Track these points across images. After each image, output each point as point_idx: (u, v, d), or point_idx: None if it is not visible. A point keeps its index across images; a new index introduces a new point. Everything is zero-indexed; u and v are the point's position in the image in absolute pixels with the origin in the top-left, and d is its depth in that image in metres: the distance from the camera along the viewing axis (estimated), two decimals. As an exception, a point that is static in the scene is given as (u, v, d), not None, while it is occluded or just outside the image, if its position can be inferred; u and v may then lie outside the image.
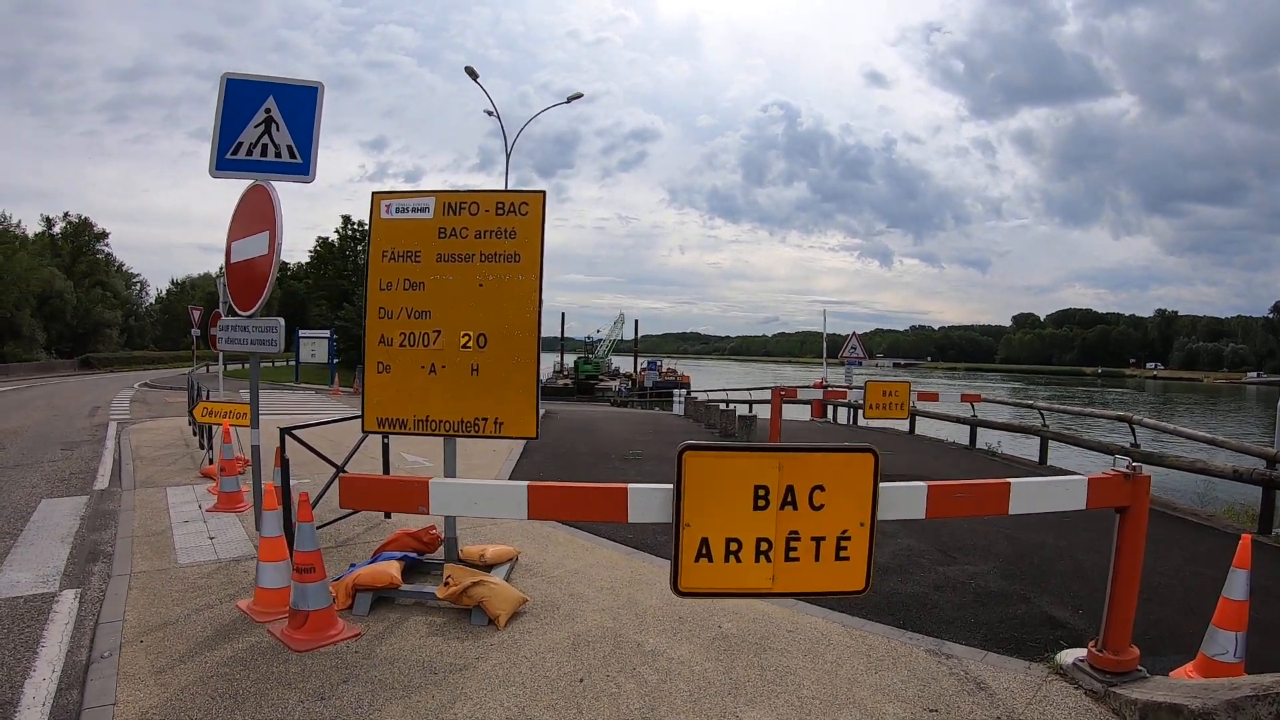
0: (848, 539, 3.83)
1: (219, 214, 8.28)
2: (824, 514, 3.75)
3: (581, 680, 4.66)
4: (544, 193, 6.30)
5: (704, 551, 3.72)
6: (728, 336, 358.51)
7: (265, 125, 6.97)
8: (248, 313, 7.03)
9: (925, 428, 21.19)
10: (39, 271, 57.64)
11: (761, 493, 3.68)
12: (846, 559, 3.83)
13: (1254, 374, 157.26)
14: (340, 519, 8.14)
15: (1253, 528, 9.78)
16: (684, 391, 29.88)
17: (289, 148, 7.00)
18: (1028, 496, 4.30)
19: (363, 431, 6.46)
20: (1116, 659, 4.55)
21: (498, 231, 6.22)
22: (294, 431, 7.09)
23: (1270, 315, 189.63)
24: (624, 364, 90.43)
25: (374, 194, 6.38)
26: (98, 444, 14.83)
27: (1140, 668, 4.58)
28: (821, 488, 3.72)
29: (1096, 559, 7.69)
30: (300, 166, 7.04)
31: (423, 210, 6.36)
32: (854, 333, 26.64)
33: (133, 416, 20.85)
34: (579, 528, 8.33)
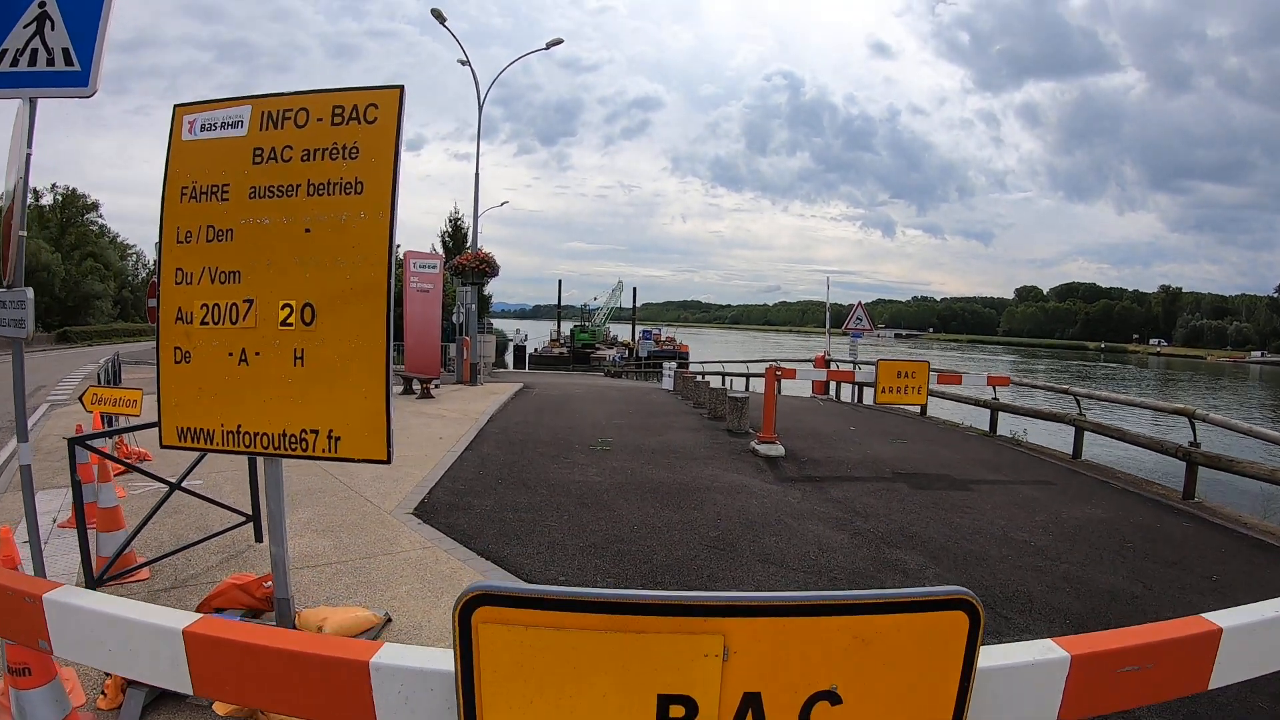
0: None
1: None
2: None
3: None
4: (400, 89, 4.14)
5: None
6: (728, 305, 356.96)
7: (38, 24, 4.61)
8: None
9: (936, 408, 18.92)
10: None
11: (678, 713, 1.43)
12: None
13: (1258, 353, 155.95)
14: (185, 548, 5.99)
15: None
16: (673, 365, 27.70)
17: (65, 51, 4.62)
18: (1248, 653, 2.07)
19: (160, 445, 4.28)
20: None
21: (333, 150, 4.11)
22: (89, 441, 5.00)
23: (1275, 294, 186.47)
24: (623, 332, 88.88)
25: (176, 107, 4.37)
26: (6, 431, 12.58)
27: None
28: (835, 698, 1.47)
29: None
30: (77, 76, 4.64)
31: (235, 125, 4.27)
32: (859, 302, 24.51)
33: (74, 397, 18.54)
34: (499, 563, 6.15)
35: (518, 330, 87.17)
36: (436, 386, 20.75)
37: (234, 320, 4.14)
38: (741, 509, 8.12)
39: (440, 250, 48.67)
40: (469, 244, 28.25)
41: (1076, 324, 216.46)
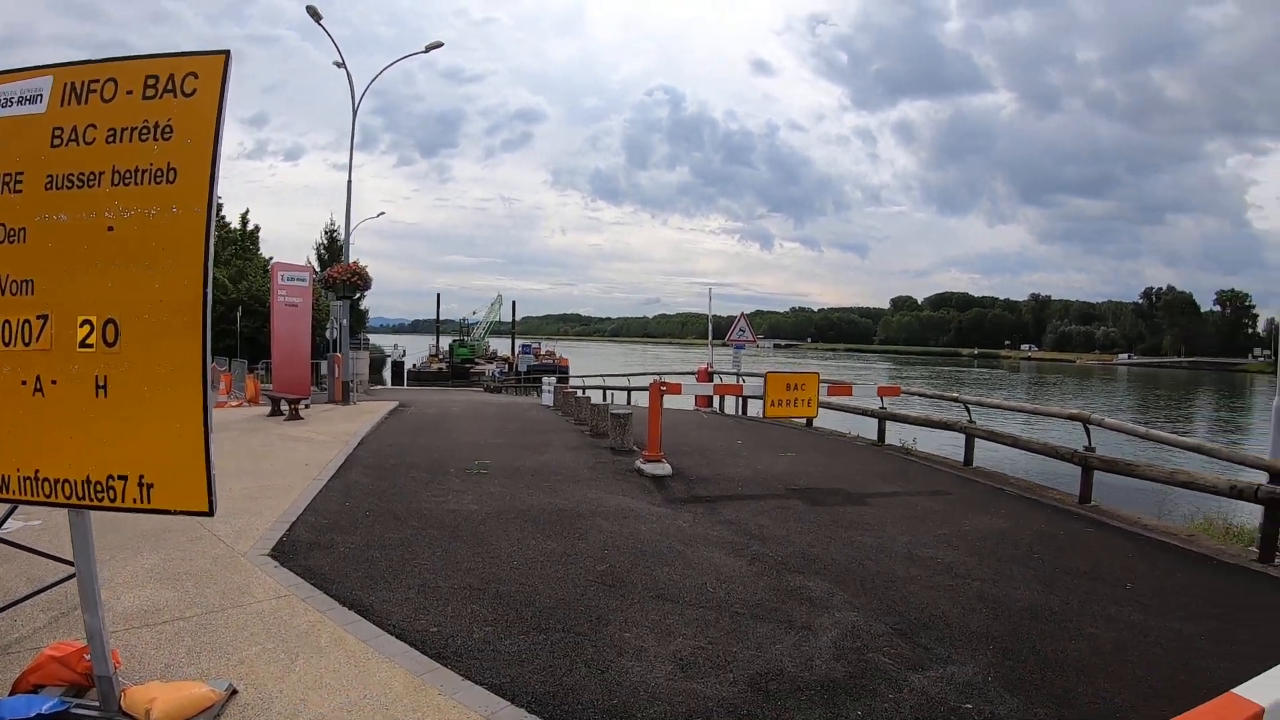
0: None
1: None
2: None
3: None
4: (226, 54, 3.57)
5: None
6: (608, 318, 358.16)
7: None
8: None
9: (821, 418, 18.87)
10: None
11: None
12: None
13: (1124, 355, 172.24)
14: (5, 607, 5.14)
15: (1253, 553, 8.26)
16: (553, 380, 27.26)
17: None
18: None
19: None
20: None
21: (143, 130, 3.55)
22: None
23: (1140, 301, 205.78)
24: (503, 347, 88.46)
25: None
26: None
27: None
28: None
29: (1115, 632, 5.69)
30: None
31: (33, 100, 3.67)
32: (742, 314, 24.55)
33: None
34: (364, 613, 5.51)
35: (395, 345, 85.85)
36: (306, 407, 19.72)
37: (26, 340, 3.51)
38: (630, 536, 7.68)
39: (316, 263, 47.18)
40: (344, 256, 27.25)
41: (950, 332, 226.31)
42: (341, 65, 26.10)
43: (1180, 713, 4.65)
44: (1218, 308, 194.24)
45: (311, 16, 24.63)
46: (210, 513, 3.46)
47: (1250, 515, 9.31)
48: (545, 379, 29.36)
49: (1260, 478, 8.36)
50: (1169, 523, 9.91)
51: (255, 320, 36.39)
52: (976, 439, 13.69)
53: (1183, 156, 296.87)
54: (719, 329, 27.16)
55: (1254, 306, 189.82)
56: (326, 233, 53.11)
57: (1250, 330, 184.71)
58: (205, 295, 3.41)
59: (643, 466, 11.20)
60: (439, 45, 28.09)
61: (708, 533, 7.98)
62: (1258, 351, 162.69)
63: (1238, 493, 8.38)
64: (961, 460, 13.75)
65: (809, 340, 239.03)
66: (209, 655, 4.68)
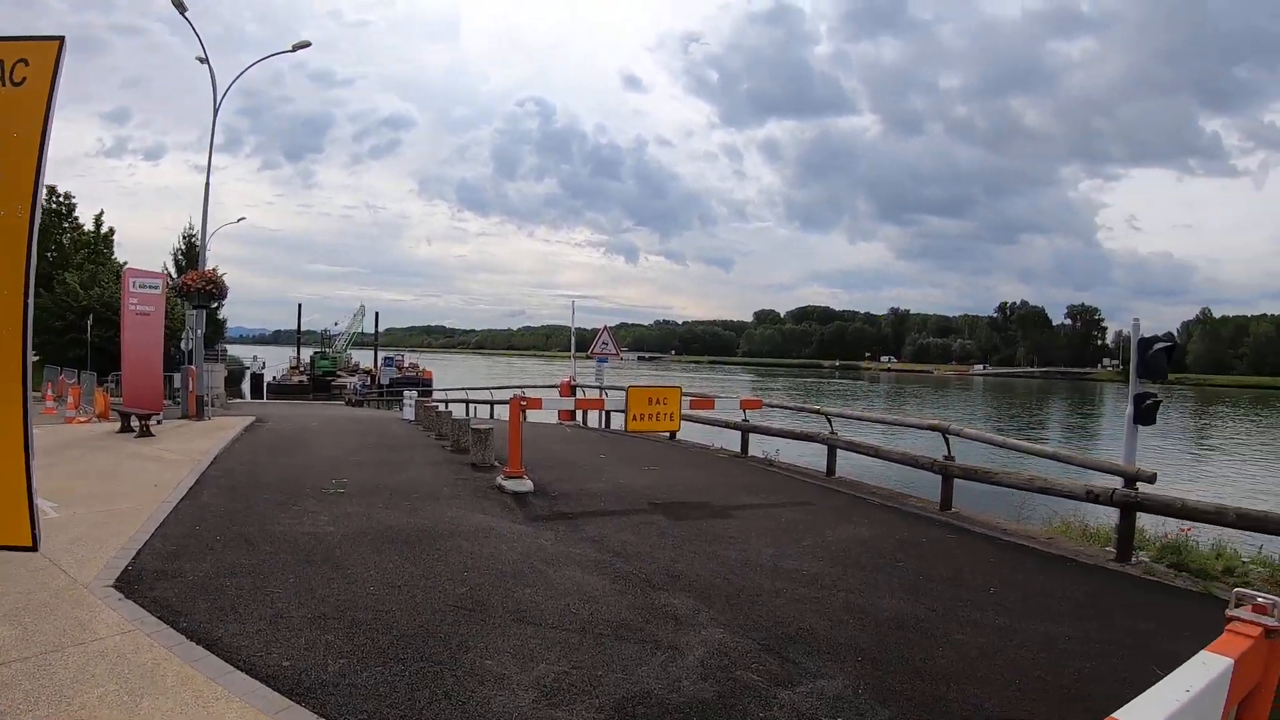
0: None
1: None
2: None
3: None
4: (60, 41, 3.18)
5: None
6: (472, 330, 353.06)
7: None
8: None
9: (685, 430, 18.88)
10: None
11: None
12: None
13: (980, 366, 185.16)
14: None
15: (1110, 553, 8.64)
16: (414, 394, 26.67)
17: None
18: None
19: None
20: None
21: None
22: None
23: (995, 314, 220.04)
24: (365, 358, 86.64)
25: None
26: None
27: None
28: None
29: (982, 637, 5.75)
30: None
31: None
32: (605, 327, 24.47)
33: None
34: (213, 647, 5.06)
35: (254, 357, 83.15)
36: (158, 423, 18.54)
37: None
38: (491, 557, 7.38)
39: (173, 270, 45.00)
40: (200, 262, 25.91)
41: (812, 344, 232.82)
42: (204, 61, 24.82)
43: (1050, 714, 4.65)
44: (1069, 321, 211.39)
45: (175, 7, 23.41)
46: (34, 547, 3.08)
47: (1105, 517, 9.65)
48: (407, 392, 28.69)
49: (1115, 482, 8.66)
50: (1028, 526, 10.22)
51: (107, 330, 34.26)
52: (839, 450, 13.90)
53: (1038, 181, 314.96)
54: (582, 342, 27.00)
55: (1103, 320, 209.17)
56: (185, 238, 50.84)
57: (1100, 342, 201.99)
58: (25, 306, 3.03)
59: (504, 483, 10.90)
60: (306, 45, 27.19)
61: (570, 551, 7.75)
62: (1106, 362, 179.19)
63: (1094, 497, 8.72)
64: (824, 471, 13.92)
65: (673, 352, 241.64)
66: (47, 701, 4.20)
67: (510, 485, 10.82)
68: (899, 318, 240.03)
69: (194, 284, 22.43)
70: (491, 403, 30.05)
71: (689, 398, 13.34)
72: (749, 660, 5.08)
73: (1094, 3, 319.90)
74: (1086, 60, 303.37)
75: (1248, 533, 8.07)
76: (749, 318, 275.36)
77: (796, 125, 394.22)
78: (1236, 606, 2.57)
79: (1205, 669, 2.16)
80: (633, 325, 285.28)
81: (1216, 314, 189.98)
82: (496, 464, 12.66)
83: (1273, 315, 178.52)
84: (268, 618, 5.59)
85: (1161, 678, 5.27)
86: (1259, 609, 2.51)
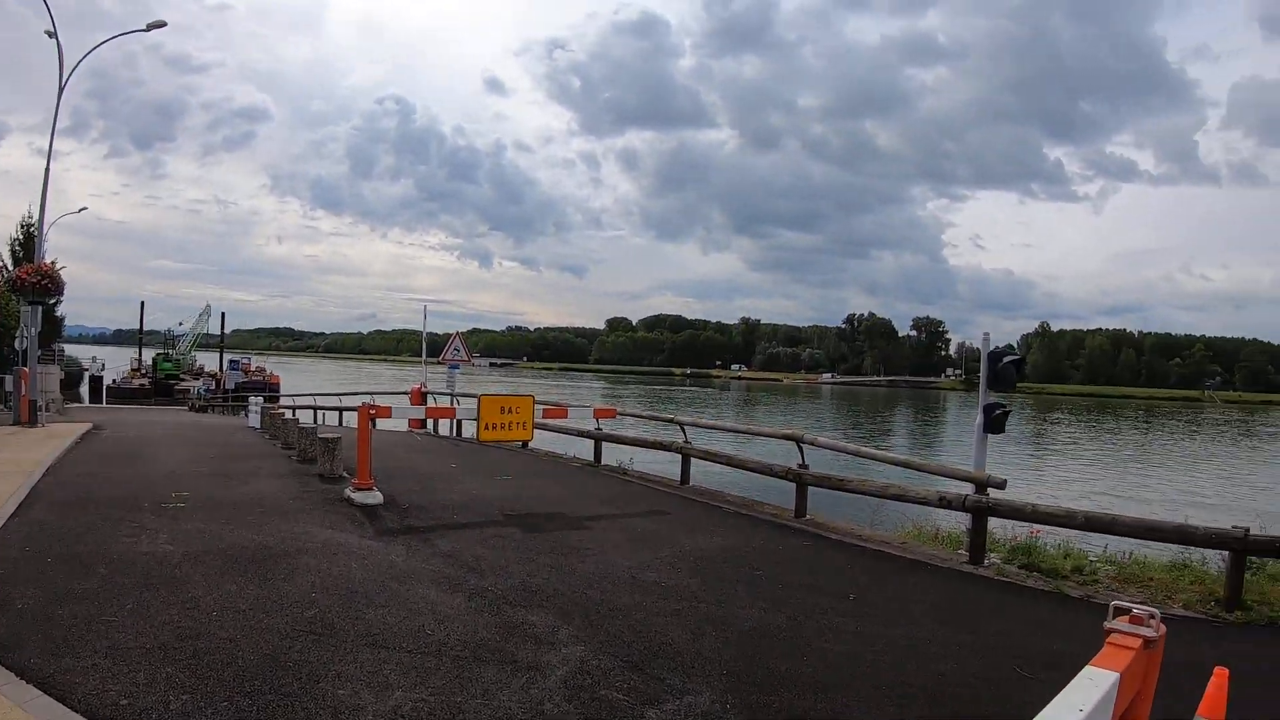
0: None
1: None
2: None
3: None
4: None
5: None
6: (322, 333, 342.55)
7: None
8: None
9: (540, 439, 18.72)
10: None
11: None
12: None
13: (828, 375, 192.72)
14: None
15: (963, 556, 8.99)
16: (260, 400, 25.65)
17: None
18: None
19: None
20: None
21: None
22: None
23: (843, 325, 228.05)
24: (210, 361, 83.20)
25: None
26: None
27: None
28: None
29: (845, 644, 5.82)
30: None
31: None
32: (457, 333, 24.22)
33: None
34: (45, 686, 4.56)
35: (94, 358, 78.78)
36: None
37: None
38: (340, 576, 7.02)
39: (10, 262, 41.96)
40: (37, 254, 24.12)
41: (664, 352, 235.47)
42: (53, 35, 22.98)
43: (920, 718, 4.64)
44: (914, 332, 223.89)
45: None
46: None
47: (957, 521, 9.98)
48: (252, 399, 27.54)
49: (966, 488, 8.97)
50: (882, 532, 10.49)
51: (-64, 329, 31.68)
52: (693, 458, 14.01)
53: (888, 199, 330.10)
54: (434, 347, 26.52)
55: (946, 331, 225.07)
56: (23, 227, 47.56)
57: (944, 352, 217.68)
58: None
59: (353, 495, 10.50)
60: (162, 24, 25.77)
61: (423, 567, 7.46)
62: (950, 371, 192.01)
63: (946, 503, 9.05)
64: (679, 479, 14.01)
65: (525, 359, 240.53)
66: None
67: (359, 497, 10.43)
68: (749, 327, 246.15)
69: (28, 278, 20.81)
70: (340, 409, 29.27)
71: (542, 406, 13.21)
72: (613, 679, 4.94)
73: (950, 34, 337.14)
74: (940, 87, 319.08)
75: (1094, 534, 8.61)
76: (601, 325, 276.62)
77: (655, 136, 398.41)
78: (1114, 618, 2.58)
79: (1093, 685, 2.14)
80: (485, 331, 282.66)
81: (1054, 328, 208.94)
82: (345, 475, 12.22)
83: (1108, 330, 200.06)
84: (104, 650, 5.12)
85: (1023, 676, 5.43)
86: (1136, 620, 2.52)
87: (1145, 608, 2.55)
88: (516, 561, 7.81)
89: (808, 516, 10.88)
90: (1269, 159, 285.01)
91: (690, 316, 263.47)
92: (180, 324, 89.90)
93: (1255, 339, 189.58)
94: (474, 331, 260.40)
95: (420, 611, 6.14)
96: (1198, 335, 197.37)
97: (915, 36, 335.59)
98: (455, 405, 18.03)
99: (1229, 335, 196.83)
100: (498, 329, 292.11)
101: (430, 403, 21.28)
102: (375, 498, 10.47)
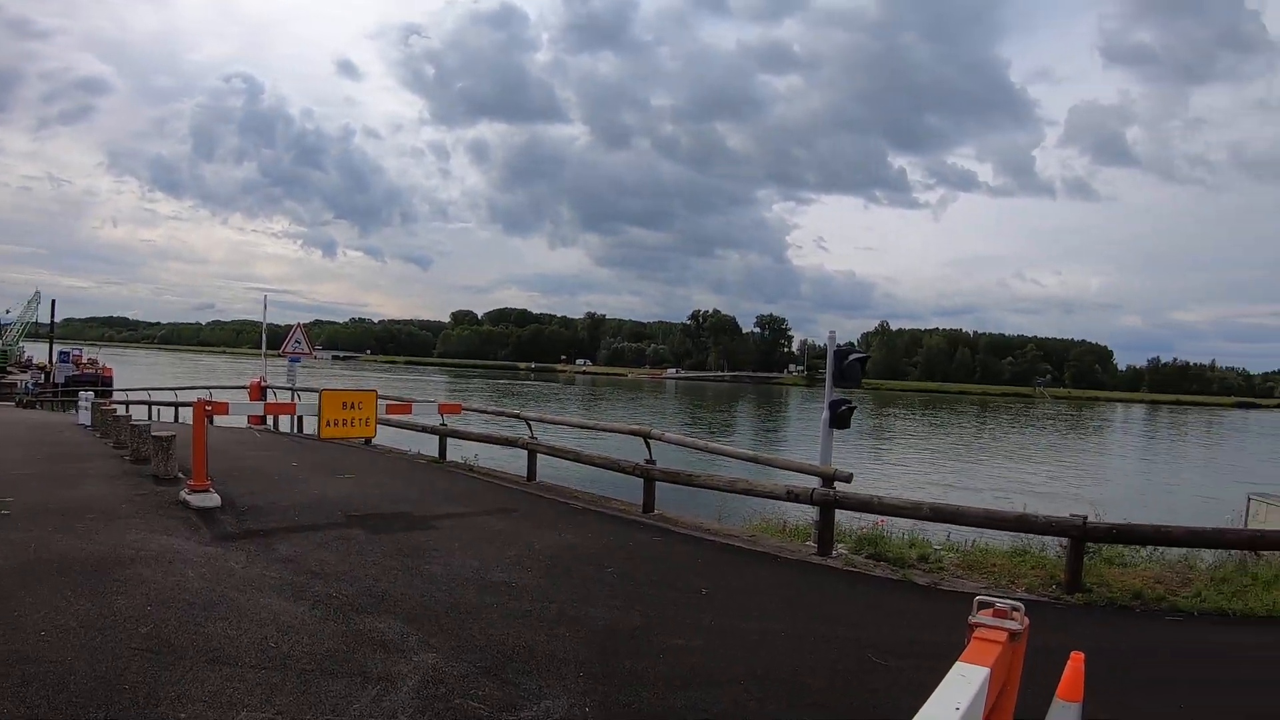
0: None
1: None
2: None
3: None
4: None
5: None
6: (159, 323, 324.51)
7: None
8: None
9: (384, 435, 18.30)
10: None
11: None
12: None
13: (673, 370, 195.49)
14: None
15: (811, 548, 9.27)
16: (91, 396, 24.09)
17: None
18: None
19: None
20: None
21: None
22: None
23: (689, 322, 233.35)
24: (40, 352, 77.54)
25: None
26: None
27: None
28: None
29: (701, 639, 5.88)
30: None
31: None
32: (299, 324, 23.39)
33: None
34: None
35: None
36: None
37: None
38: (177, 586, 6.59)
39: None
40: None
41: (509, 346, 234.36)
42: None
43: (780, 710, 4.69)
44: (758, 329, 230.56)
45: None
46: None
47: (804, 514, 10.24)
48: (83, 394, 25.85)
49: (813, 482, 9.20)
50: (731, 526, 10.64)
51: None
52: (539, 454, 13.97)
53: (736, 200, 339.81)
54: (275, 339, 25.55)
55: (789, 329, 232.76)
56: None
57: (786, 349, 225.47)
58: None
59: (188, 498, 9.95)
60: None
61: (263, 574, 7.11)
62: (792, 367, 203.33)
63: (794, 497, 9.31)
64: (525, 475, 13.93)
65: (368, 352, 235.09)
66: None
67: (195, 500, 9.90)
68: (595, 322, 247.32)
69: None
70: (176, 405, 28.01)
71: (385, 402, 12.90)
72: (468, 686, 4.81)
73: (804, 44, 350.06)
74: (791, 94, 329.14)
75: (937, 523, 9.04)
76: (446, 318, 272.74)
77: (507, 129, 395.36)
78: (979, 612, 2.64)
79: (966, 681, 2.18)
80: (328, 323, 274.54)
81: (893, 327, 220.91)
82: (181, 476, 11.56)
83: (944, 329, 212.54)
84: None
85: (876, 664, 5.58)
86: (1000, 613, 2.59)
87: (1010, 601, 2.63)
88: (361, 565, 7.54)
89: (656, 512, 10.97)
90: (1101, 176, 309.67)
91: (536, 311, 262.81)
92: (7, 311, 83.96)
93: (1084, 340, 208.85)
94: (316, 323, 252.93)
95: (263, 622, 5.84)
96: (1030, 336, 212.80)
97: (771, 44, 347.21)
98: (296, 400, 17.35)
99: (1059, 336, 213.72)
100: (341, 320, 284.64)
101: (270, 398, 20.50)
102: (213, 500, 9.96)
